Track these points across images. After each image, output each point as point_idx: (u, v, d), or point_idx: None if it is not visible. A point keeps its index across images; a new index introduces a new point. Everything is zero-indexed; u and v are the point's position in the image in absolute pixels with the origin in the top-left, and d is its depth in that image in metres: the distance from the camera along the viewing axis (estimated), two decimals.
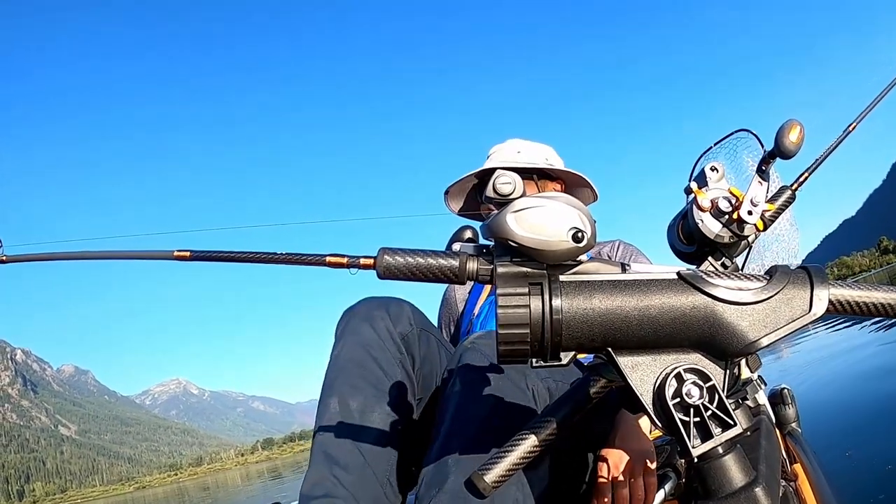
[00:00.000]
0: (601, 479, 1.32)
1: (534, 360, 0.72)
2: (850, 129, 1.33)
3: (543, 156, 2.03)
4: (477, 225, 0.93)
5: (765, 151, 0.88)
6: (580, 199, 2.06)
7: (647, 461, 1.31)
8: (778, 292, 0.69)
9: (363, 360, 1.40)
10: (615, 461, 1.32)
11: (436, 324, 2.10)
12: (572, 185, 2.07)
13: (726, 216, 0.82)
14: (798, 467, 1.75)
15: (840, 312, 0.72)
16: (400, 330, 1.46)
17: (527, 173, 1.95)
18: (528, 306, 0.68)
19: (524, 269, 0.71)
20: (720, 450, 0.69)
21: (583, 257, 0.73)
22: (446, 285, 2.16)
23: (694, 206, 0.83)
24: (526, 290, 0.69)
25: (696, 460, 0.68)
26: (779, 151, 0.85)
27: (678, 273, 0.71)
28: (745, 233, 0.82)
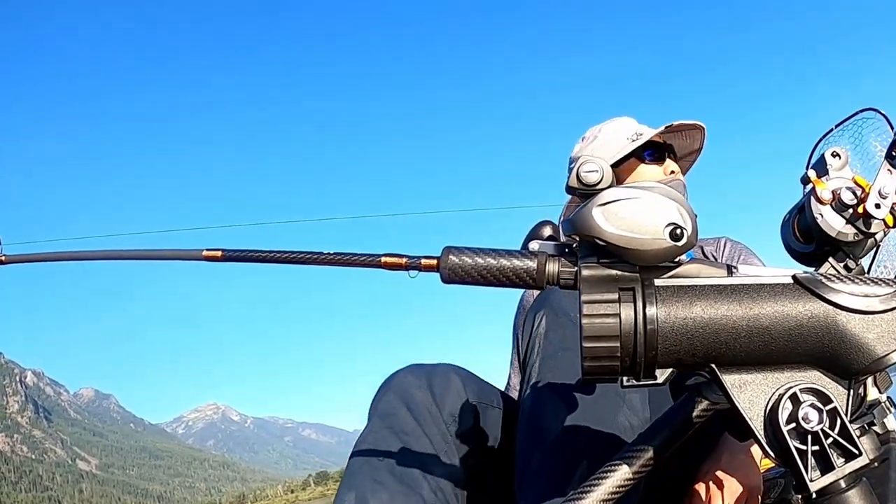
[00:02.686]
0: None
1: (624, 379, 0.72)
2: None
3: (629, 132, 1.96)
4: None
5: (895, 134, 0.87)
6: (687, 162, 2.01)
7: (756, 497, 1.30)
8: None
9: (394, 448, 1.31)
10: (717, 497, 1.30)
11: (511, 334, 2.09)
12: (680, 150, 2.01)
13: (850, 210, 0.81)
14: None
15: None
16: (449, 409, 1.38)
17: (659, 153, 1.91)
18: (619, 315, 0.69)
19: (613, 271, 0.72)
20: (843, 484, 0.68)
21: (682, 258, 0.73)
22: (522, 290, 2.13)
23: (812, 199, 0.83)
24: (615, 296, 0.70)
25: (814, 496, 0.68)
26: None
27: (794, 277, 0.71)
28: (873, 229, 0.81)
